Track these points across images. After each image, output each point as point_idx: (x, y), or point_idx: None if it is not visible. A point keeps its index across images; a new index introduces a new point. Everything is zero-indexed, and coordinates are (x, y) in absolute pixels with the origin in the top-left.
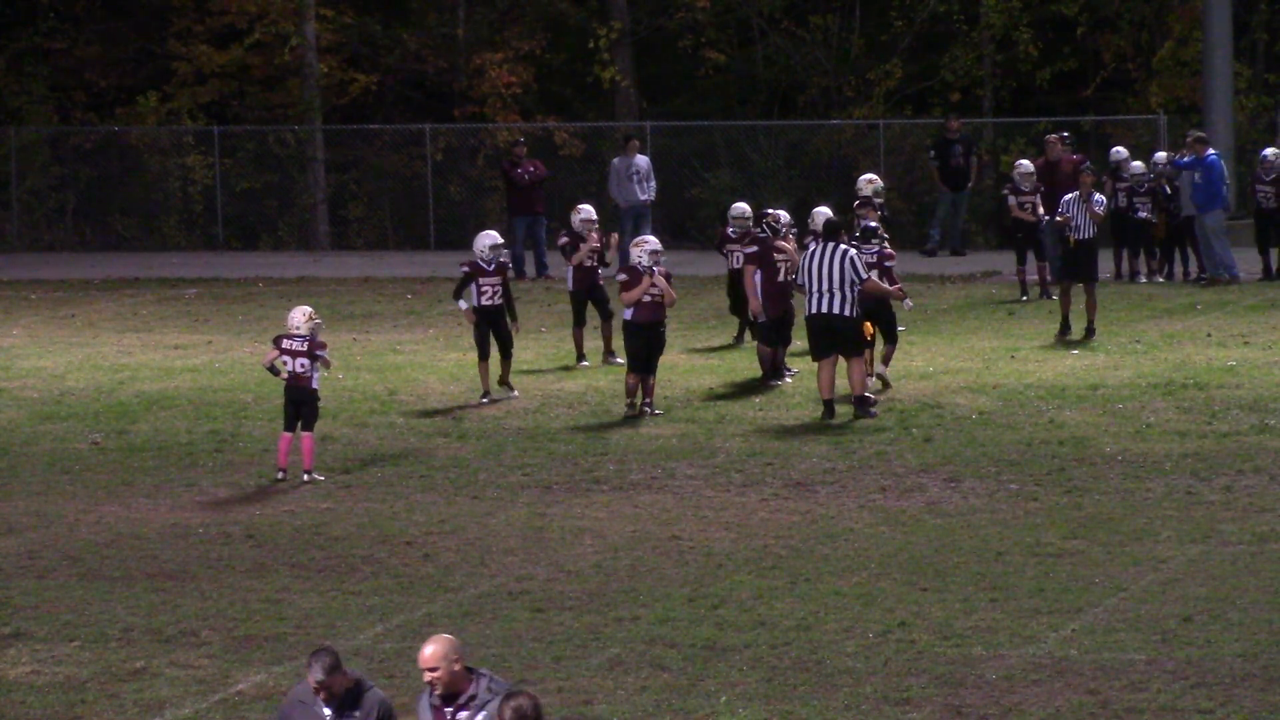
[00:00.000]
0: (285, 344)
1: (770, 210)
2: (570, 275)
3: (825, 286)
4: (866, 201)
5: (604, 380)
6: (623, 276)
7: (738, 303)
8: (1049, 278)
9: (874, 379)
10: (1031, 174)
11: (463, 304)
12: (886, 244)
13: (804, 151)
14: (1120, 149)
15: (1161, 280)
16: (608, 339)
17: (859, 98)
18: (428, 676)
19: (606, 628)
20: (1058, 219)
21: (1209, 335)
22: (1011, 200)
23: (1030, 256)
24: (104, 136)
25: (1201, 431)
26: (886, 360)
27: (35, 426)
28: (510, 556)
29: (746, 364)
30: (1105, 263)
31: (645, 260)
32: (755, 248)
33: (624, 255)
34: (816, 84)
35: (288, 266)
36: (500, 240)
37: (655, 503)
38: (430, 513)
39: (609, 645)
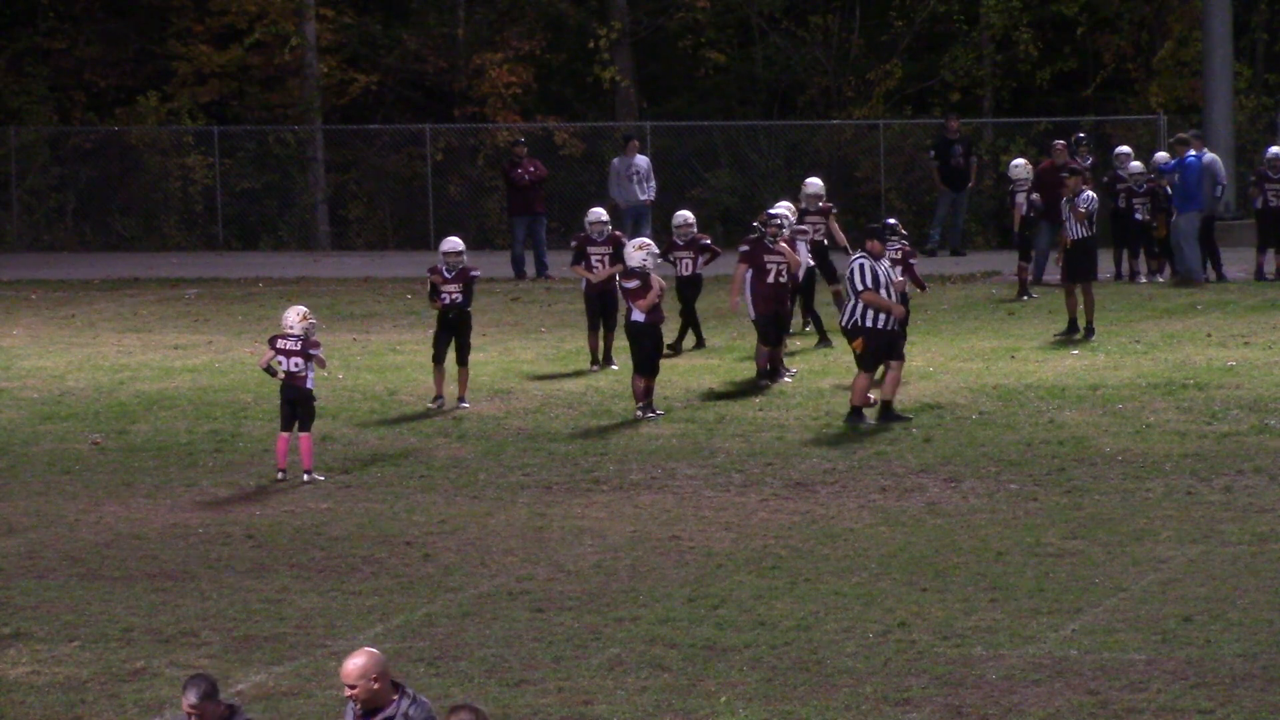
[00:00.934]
0: (280, 344)
1: (772, 210)
2: (588, 271)
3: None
4: (811, 209)
5: (604, 380)
6: (634, 283)
7: (687, 309)
8: (1029, 278)
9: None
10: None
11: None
12: (906, 241)
13: (804, 152)
14: (1124, 148)
15: (1162, 280)
16: (609, 346)
17: (859, 98)
18: (346, 692)
19: (606, 628)
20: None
21: (1209, 335)
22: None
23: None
24: (104, 136)
25: (1201, 431)
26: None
27: (35, 426)
28: (510, 556)
29: (747, 364)
30: (1105, 263)
31: (649, 263)
32: (747, 247)
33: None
34: (816, 84)
35: (288, 266)
36: (457, 249)
37: (655, 503)
38: (430, 513)
39: (609, 645)
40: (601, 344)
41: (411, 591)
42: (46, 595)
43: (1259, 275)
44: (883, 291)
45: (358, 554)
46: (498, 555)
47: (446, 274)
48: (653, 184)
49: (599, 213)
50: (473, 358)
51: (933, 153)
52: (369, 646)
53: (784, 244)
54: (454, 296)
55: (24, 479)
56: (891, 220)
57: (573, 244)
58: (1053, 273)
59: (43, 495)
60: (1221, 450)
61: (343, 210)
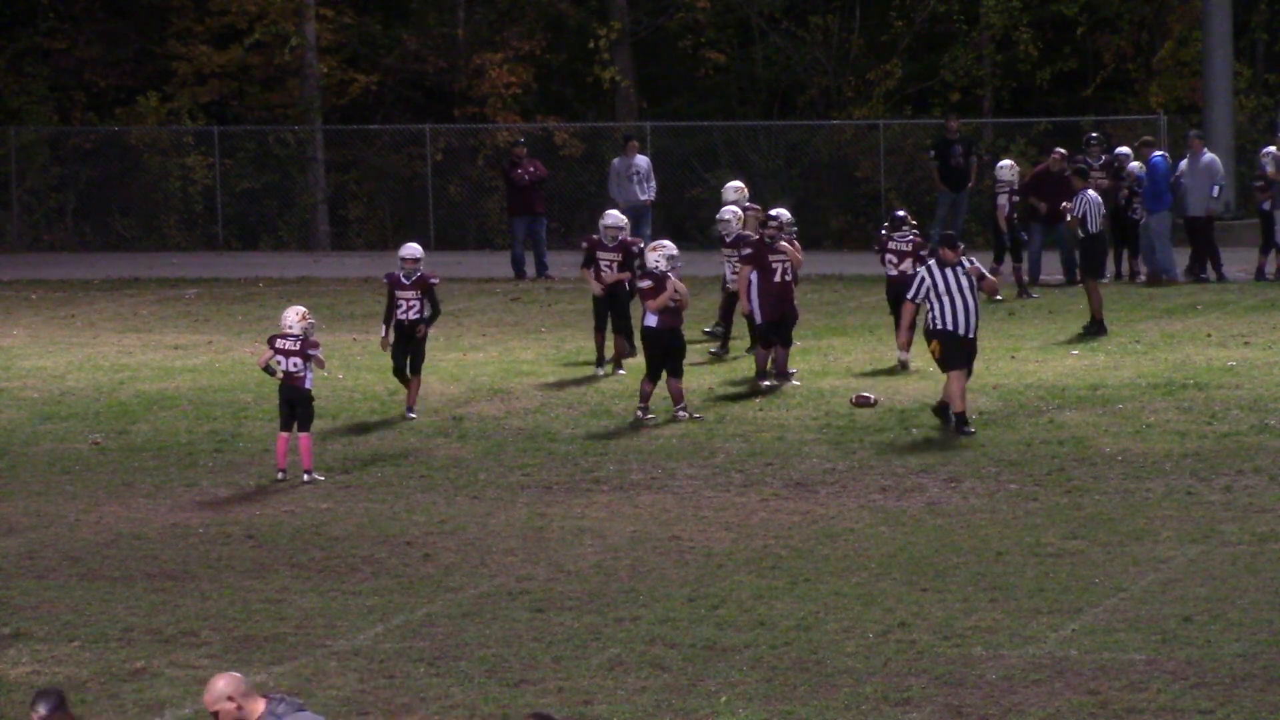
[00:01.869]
0: (278, 343)
1: (772, 210)
2: (593, 279)
3: (962, 305)
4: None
5: (604, 380)
6: (646, 283)
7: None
8: (1025, 278)
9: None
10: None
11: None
12: (917, 233)
13: (804, 152)
14: (1125, 148)
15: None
16: (619, 350)
17: (859, 98)
18: (210, 710)
19: (606, 628)
20: (1069, 219)
21: (1209, 335)
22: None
23: (1024, 255)
24: (104, 136)
25: (1201, 431)
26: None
27: (35, 426)
28: (510, 556)
29: (747, 364)
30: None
31: (663, 265)
32: (750, 249)
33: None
34: (816, 84)
35: (288, 266)
36: (415, 255)
37: (655, 503)
38: (430, 513)
39: (609, 645)
40: (611, 345)
41: (411, 591)
42: (46, 595)
43: (1259, 275)
44: (946, 299)
45: (358, 554)
46: (498, 555)
47: (405, 280)
48: (653, 184)
49: (616, 217)
50: (473, 357)
51: (932, 153)
52: (232, 673)
53: (785, 243)
54: (410, 304)
55: (24, 479)
56: (901, 211)
57: (584, 245)
58: (1053, 273)
59: (43, 495)
60: (1221, 450)
61: (343, 210)
